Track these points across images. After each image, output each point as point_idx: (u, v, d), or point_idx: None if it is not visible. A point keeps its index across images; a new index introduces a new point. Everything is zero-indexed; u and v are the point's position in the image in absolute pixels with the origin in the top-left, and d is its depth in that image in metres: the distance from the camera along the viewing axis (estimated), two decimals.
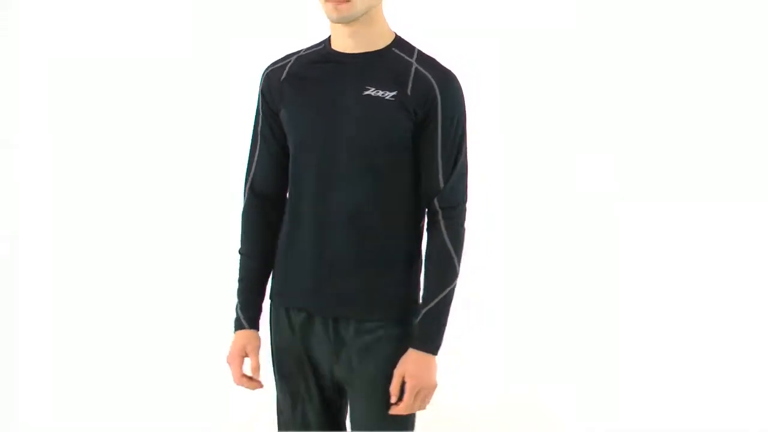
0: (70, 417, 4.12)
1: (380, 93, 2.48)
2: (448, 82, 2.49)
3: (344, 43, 2.52)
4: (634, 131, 4.26)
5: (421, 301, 2.51)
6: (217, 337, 4.28)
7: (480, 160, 4.23)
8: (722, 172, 4.21)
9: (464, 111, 2.53)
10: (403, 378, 2.48)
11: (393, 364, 2.49)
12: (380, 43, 2.52)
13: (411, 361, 2.47)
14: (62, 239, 4.29)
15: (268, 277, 2.63)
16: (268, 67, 2.63)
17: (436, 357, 2.49)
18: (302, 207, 2.53)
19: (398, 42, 2.54)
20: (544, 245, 4.29)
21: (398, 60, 2.50)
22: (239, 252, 2.63)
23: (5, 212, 4.29)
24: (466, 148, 2.54)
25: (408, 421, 2.55)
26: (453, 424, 4.00)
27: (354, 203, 2.49)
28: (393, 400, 2.48)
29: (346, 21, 2.46)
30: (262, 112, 2.63)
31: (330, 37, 2.56)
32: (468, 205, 2.54)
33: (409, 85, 2.48)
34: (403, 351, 2.49)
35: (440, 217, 2.50)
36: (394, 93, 2.47)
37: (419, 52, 2.53)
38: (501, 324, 4.27)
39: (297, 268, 2.53)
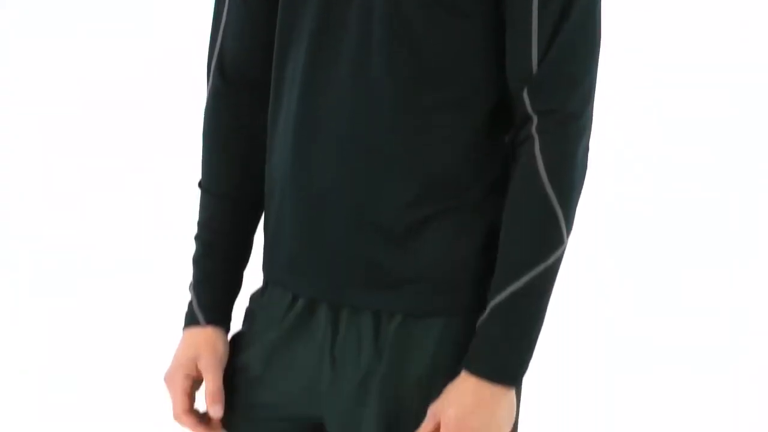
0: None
1: None
2: None
3: None
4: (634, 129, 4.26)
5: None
6: None
7: None
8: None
9: None
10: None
11: None
12: None
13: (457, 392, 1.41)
14: (60, 238, 4.32)
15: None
16: None
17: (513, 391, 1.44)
18: (279, 118, 1.47)
19: None
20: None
21: None
22: (199, 185, 1.56)
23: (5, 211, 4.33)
24: (597, 11, 1.39)
25: None
26: None
27: (359, 107, 1.40)
28: None
29: None
30: None
31: None
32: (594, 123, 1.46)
33: None
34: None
35: (533, 129, 1.39)
36: None
37: None
38: None
39: None
